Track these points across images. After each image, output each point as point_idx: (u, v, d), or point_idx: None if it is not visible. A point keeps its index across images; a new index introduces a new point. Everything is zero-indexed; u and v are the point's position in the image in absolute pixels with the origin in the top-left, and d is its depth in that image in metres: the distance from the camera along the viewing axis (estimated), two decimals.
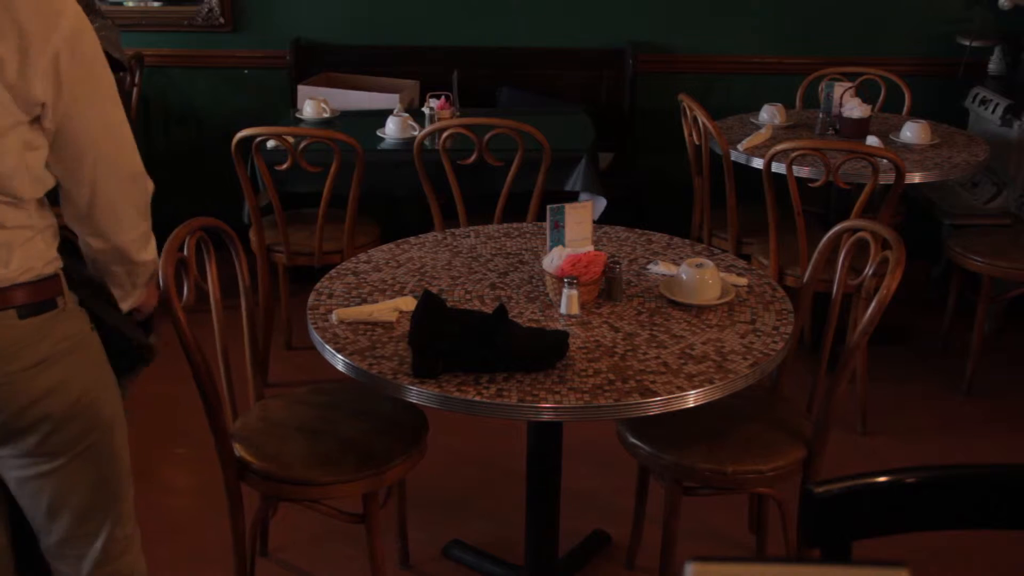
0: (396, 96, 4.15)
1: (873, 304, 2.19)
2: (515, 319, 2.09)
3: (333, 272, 2.40)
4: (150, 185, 1.83)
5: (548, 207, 2.32)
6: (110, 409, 1.83)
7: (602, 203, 3.60)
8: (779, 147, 3.21)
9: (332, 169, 3.33)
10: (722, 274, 2.28)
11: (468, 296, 2.26)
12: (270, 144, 3.51)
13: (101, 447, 1.82)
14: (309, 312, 2.18)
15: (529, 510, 2.43)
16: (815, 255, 2.49)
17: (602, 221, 2.92)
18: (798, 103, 4.35)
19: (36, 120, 1.62)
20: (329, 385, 2.59)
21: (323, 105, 3.97)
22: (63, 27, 1.60)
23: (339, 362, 2.00)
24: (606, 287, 2.23)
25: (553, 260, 2.20)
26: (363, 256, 2.51)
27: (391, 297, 2.24)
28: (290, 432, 2.35)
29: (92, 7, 3.92)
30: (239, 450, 2.28)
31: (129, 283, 1.87)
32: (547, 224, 2.32)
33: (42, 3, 1.59)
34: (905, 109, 4.24)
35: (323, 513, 2.35)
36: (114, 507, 1.88)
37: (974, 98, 4.36)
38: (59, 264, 1.74)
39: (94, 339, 1.81)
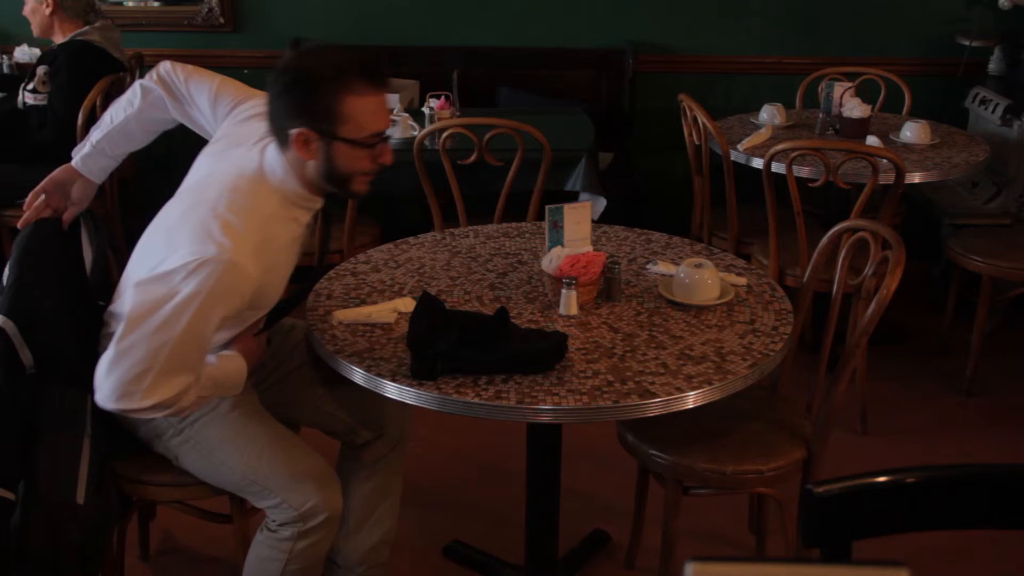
0: (396, 96, 4.14)
1: (873, 304, 2.19)
2: (514, 320, 2.08)
3: (332, 272, 2.39)
4: None
5: (547, 207, 2.31)
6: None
7: (602, 203, 3.59)
8: (779, 147, 3.20)
9: None
10: (721, 274, 2.28)
11: (467, 296, 2.26)
12: None
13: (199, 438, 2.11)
14: (308, 313, 2.18)
15: (529, 510, 2.42)
16: (815, 255, 2.48)
17: (602, 221, 2.92)
18: (798, 103, 4.34)
19: None
20: None
21: None
22: None
23: (338, 363, 2.00)
24: (605, 287, 2.23)
25: (552, 260, 2.19)
26: (362, 256, 2.50)
27: (390, 298, 2.24)
28: None
29: (92, 7, 3.92)
30: None
31: None
32: (546, 224, 2.31)
33: None
34: (905, 109, 4.23)
35: None
36: (245, 489, 2.14)
37: (974, 98, 4.36)
38: None
39: None
